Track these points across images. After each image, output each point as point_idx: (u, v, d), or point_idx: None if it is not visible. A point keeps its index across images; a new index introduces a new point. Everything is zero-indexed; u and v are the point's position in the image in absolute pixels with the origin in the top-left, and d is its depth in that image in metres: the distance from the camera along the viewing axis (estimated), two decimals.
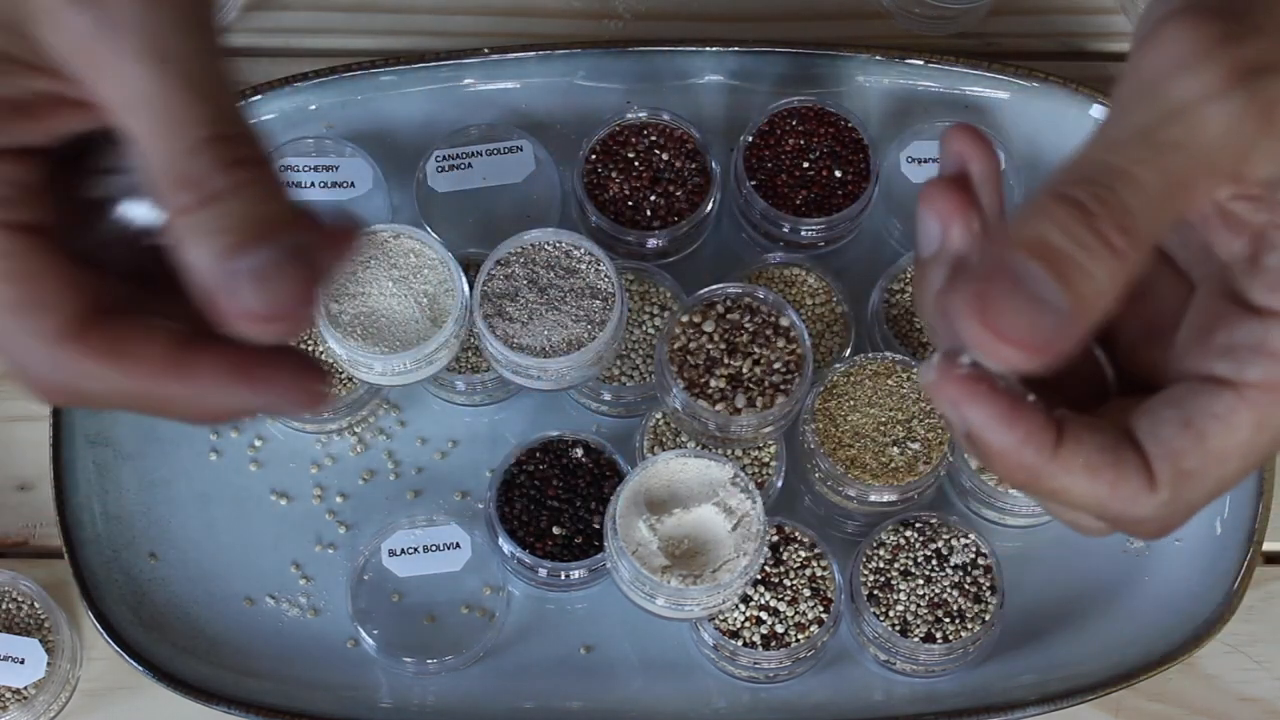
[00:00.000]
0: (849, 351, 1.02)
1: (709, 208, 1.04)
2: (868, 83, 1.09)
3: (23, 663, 0.98)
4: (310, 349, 1.03)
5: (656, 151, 1.04)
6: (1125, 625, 1.01)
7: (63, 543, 1.00)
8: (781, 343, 0.96)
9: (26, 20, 0.61)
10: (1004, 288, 0.57)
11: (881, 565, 0.98)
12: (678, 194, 1.03)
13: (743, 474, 0.93)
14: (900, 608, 0.97)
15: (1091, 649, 1.00)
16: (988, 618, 0.97)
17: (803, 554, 0.98)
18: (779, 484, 1.00)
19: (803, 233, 1.03)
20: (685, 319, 0.96)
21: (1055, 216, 0.57)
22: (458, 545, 1.01)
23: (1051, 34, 1.14)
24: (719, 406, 0.95)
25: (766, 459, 1.01)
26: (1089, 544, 1.03)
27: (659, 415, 1.02)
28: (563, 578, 0.99)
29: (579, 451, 1.01)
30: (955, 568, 0.98)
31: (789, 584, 0.97)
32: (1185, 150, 0.58)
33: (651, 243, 1.03)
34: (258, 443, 1.04)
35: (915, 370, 0.97)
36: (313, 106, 1.08)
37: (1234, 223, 0.62)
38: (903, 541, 0.98)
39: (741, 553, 0.92)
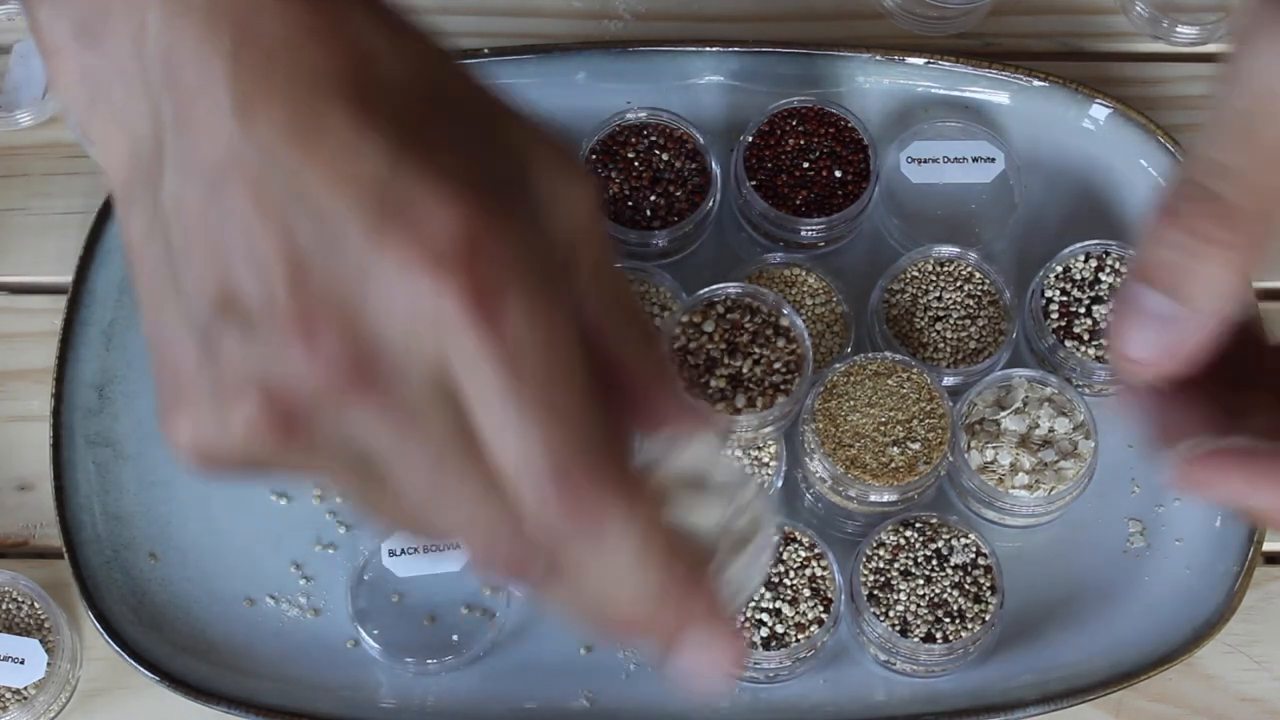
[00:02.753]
0: (849, 351, 1.02)
1: (709, 207, 1.03)
2: (868, 83, 1.09)
3: (23, 663, 0.98)
4: None
5: (656, 151, 1.04)
6: (1125, 625, 1.01)
7: (63, 543, 1.00)
8: (781, 343, 0.96)
9: None
10: (1122, 315, 0.60)
11: (881, 565, 0.98)
12: (678, 194, 1.03)
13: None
14: (900, 608, 0.97)
15: (1091, 649, 1.00)
16: (988, 618, 0.97)
17: (803, 554, 0.98)
18: (779, 484, 1.00)
19: (803, 233, 1.03)
20: (685, 319, 0.96)
21: (1156, 232, 0.59)
22: (458, 545, 1.01)
23: (1051, 34, 1.14)
24: (719, 406, 0.95)
25: (766, 459, 1.01)
26: (1089, 544, 1.03)
27: None
28: None
29: None
30: (955, 568, 0.98)
31: (789, 584, 0.97)
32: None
33: (652, 243, 1.03)
34: None
35: (915, 370, 0.97)
36: None
37: None
38: (903, 541, 0.98)
39: None
